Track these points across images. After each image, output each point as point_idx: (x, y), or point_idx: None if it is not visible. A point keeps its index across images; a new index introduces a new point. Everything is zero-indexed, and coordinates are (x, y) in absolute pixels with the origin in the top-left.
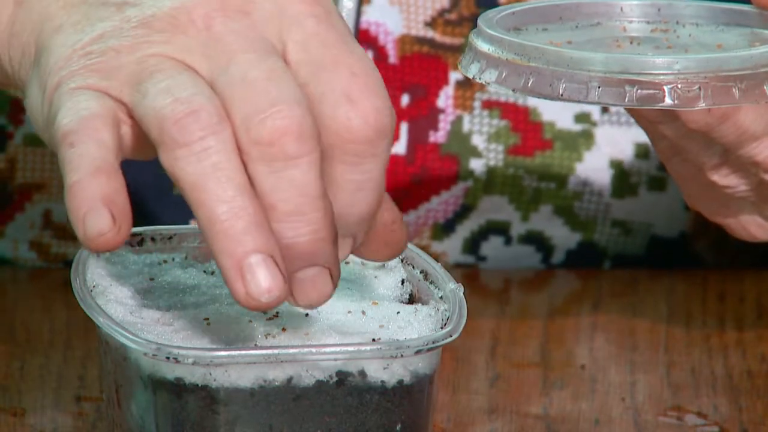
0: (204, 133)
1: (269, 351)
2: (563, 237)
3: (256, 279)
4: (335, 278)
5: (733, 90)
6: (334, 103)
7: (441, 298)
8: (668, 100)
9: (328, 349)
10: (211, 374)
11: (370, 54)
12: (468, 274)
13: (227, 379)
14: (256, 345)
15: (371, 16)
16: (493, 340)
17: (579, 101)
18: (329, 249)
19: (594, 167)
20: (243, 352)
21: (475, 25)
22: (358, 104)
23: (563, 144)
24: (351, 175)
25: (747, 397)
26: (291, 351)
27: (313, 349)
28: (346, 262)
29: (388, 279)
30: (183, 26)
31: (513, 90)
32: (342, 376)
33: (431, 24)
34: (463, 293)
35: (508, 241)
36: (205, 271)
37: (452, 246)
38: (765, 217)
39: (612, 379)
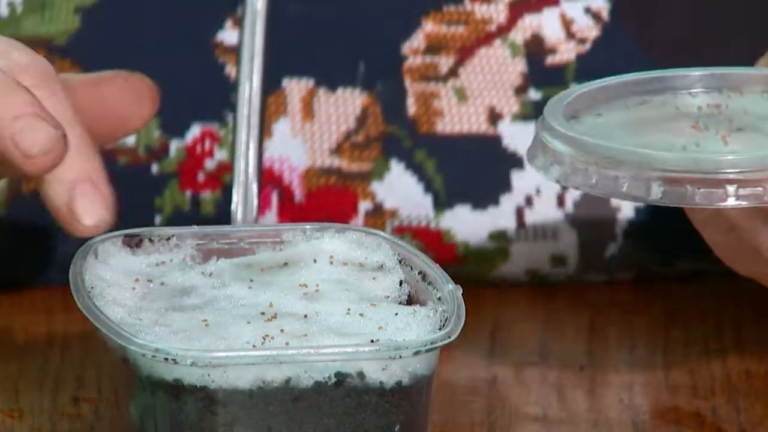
0: None
1: (268, 352)
2: None
3: None
4: None
5: None
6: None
7: (439, 299)
8: (731, 201)
9: (326, 351)
10: (209, 375)
11: (275, 195)
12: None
13: (226, 381)
14: (254, 346)
15: (274, 152)
16: (492, 341)
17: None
18: None
19: (509, 273)
20: (241, 353)
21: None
22: None
23: (477, 259)
24: None
25: (745, 398)
26: (289, 352)
27: (312, 351)
28: (344, 263)
29: (387, 280)
30: None
31: (607, 195)
32: (340, 378)
33: (337, 151)
34: (462, 294)
35: None
36: (203, 272)
37: None
38: None
39: (610, 380)
